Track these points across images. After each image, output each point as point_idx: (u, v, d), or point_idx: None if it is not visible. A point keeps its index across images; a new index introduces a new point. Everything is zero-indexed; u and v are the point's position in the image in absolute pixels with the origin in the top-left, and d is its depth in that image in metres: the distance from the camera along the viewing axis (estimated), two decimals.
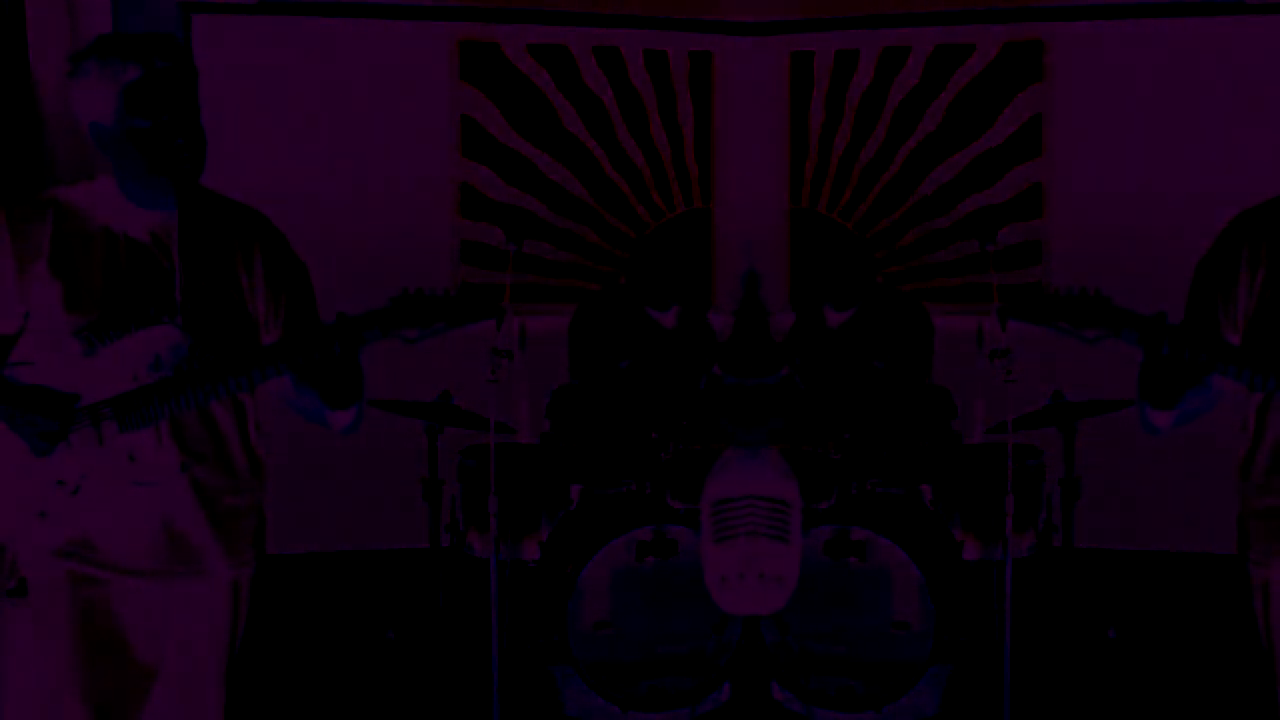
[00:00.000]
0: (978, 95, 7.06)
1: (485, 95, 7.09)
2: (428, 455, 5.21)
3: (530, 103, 7.11)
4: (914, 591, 4.79)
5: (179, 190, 3.01)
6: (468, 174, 7.12)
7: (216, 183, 3.16)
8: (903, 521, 4.96)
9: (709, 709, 4.87)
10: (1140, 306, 3.04)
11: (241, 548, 3.12)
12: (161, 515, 3.01)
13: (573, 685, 4.91)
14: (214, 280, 3.06)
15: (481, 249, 7.05)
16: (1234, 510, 3.22)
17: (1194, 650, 5.55)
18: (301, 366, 3.00)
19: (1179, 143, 6.79)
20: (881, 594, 4.84)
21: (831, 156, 7.22)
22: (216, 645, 3.13)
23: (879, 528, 4.83)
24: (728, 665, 4.86)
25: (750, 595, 4.66)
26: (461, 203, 7.12)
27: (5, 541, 2.98)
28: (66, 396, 2.95)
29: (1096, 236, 6.84)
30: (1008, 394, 4.48)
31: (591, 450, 5.29)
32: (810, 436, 5.21)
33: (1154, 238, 6.60)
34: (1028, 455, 5.07)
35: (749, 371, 5.10)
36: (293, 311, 3.15)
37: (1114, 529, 6.46)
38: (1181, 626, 5.88)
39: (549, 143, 7.15)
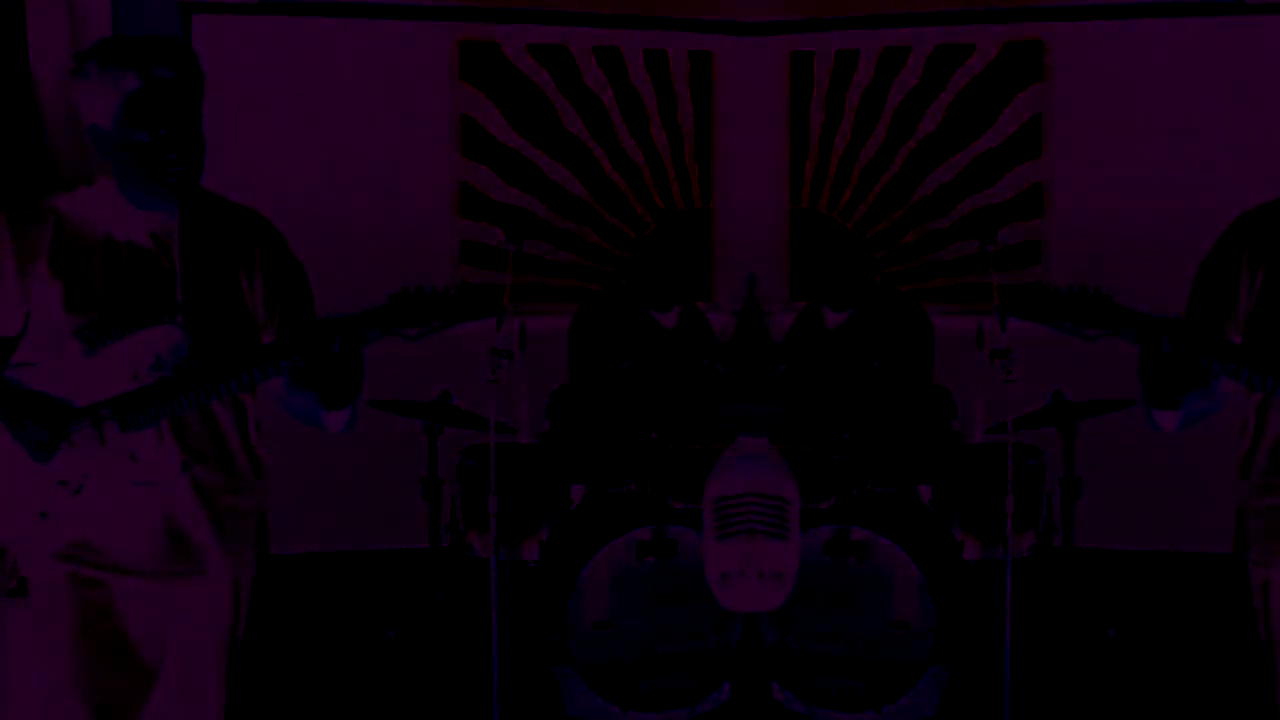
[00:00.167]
0: (978, 95, 7.06)
1: (485, 95, 7.09)
2: (428, 455, 5.21)
3: (530, 103, 7.10)
4: (914, 591, 4.79)
5: (183, 199, 3.01)
6: (468, 174, 7.12)
7: (216, 183, 3.16)
8: (903, 521, 4.96)
9: (709, 709, 4.87)
10: (1140, 306, 3.04)
11: (242, 548, 3.13)
12: (162, 515, 3.01)
13: (573, 685, 4.91)
14: (214, 281, 3.06)
15: (481, 249, 7.05)
16: (1234, 510, 3.22)
17: (1194, 650, 5.55)
18: (302, 365, 3.00)
19: (1179, 143, 6.79)
20: (881, 594, 4.85)
21: (831, 156, 7.21)
22: (217, 645, 3.13)
23: (879, 528, 4.83)
24: (728, 665, 4.86)
25: (750, 592, 4.67)
26: (461, 203, 7.12)
27: (6, 542, 2.98)
28: (62, 405, 2.95)
29: (1096, 236, 6.84)
30: (1008, 394, 4.48)
31: (591, 450, 5.29)
32: (810, 436, 5.21)
33: (1154, 238, 6.60)
34: (1028, 455, 5.07)
35: (749, 368, 5.11)
36: (291, 312, 3.15)
37: (1114, 529, 6.46)
38: (1181, 626, 5.88)
39: (549, 143, 7.15)
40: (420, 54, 7.03)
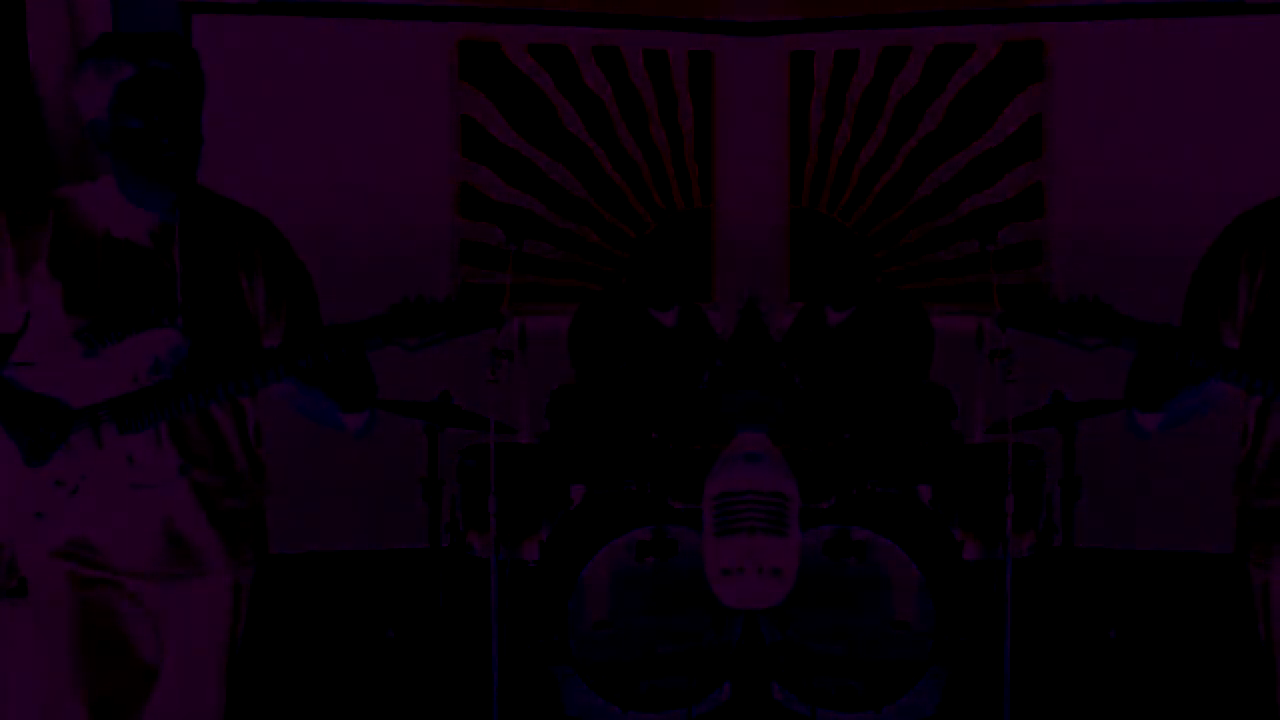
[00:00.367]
0: (978, 95, 7.06)
1: (485, 95, 7.09)
2: (428, 455, 5.21)
3: (530, 103, 7.11)
4: (914, 591, 4.79)
5: (176, 192, 3.01)
6: (468, 174, 7.12)
7: (216, 183, 3.16)
8: (903, 521, 4.96)
9: (709, 709, 4.87)
10: (1140, 307, 3.04)
11: (242, 549, 3.12)
12: (161, 517, 3.01)
13: (573, 685, 4.90)
14: (214, 283, 3.06)
15: (481, 249, 7.05)
16: (1234, 510, 3.22)
17: (1194, 650, 5.55)
18: (304, 372, 3.00)
19: (1179, 142, 6.79)
20: (881, 594, 4.84)
21: (831, 156, 7.22)
22: (217, 645, 3.13)
23: (879, 528, 4.83)
24: (728, 664, 4.86)
25: (750, 589, 4.67)
26: (461, 203, 7.12)
27: (4, 542, 2.98)
28: (62, 406, 2.94)
29: (1097, 236, 6.84)
30: (1008, 394, 4.48)
31: (591, 450, 5.29)
32: (810, 436, 5.21)
33: (1154, 237, 6.60)
34: (1028, 455, 5.07)
35: (749, 365, 5.11)
36: (294, 315, 3.15)
37: (1114, 529, 6.46)
38: (1181, 626, 5.88)
39: (549, 143, 7.15)
40: (420, 54, 7.03)
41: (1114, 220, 6.85)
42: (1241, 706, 4.90)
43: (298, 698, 5.13)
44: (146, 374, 2.96)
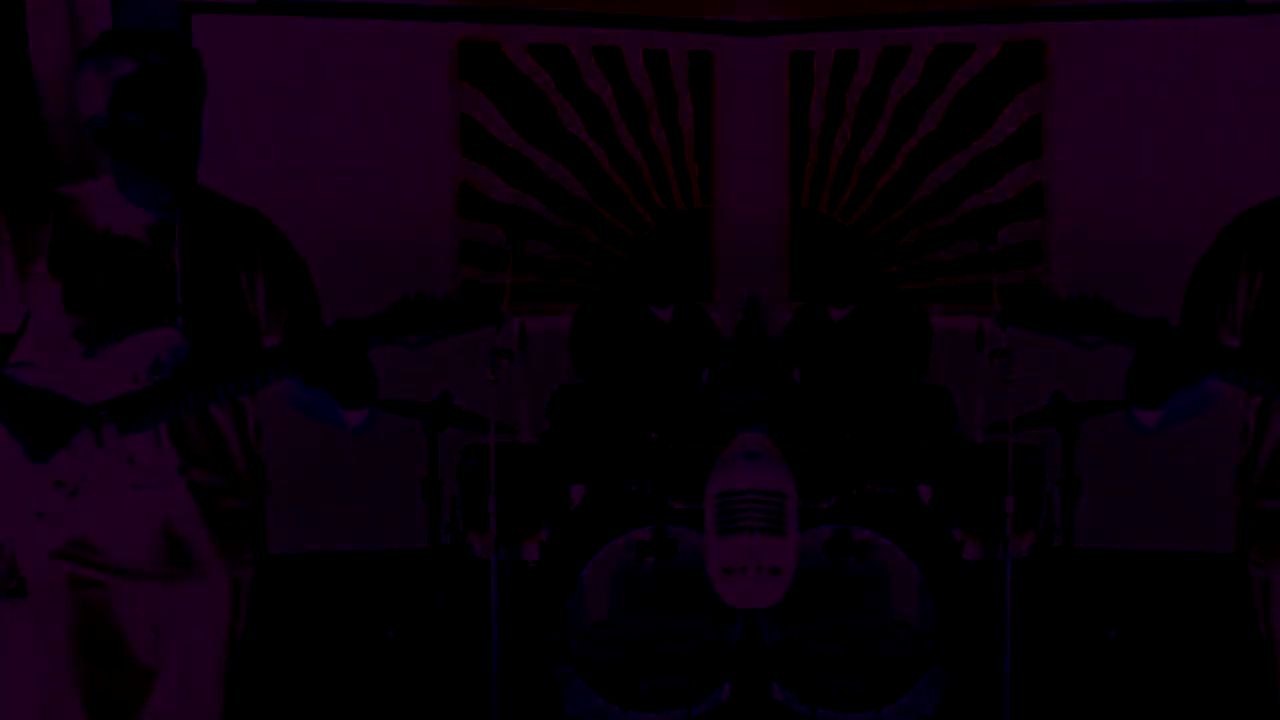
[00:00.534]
0: (978, 95, 7.06)
1: (485, 95, 7.09)
2: (428, 455, 5.21)
3: (530, 103, 7.11)
4: (914, 591, 4.79)
5: (174, 190, 3.00)
6: (468, 174, 7.12)
7: (216, 182, 3.16)
8: (903, 521, 4.96)
9: (709, 709, 4.87)
10: (1140, 305, 3.04)
11: (241, 549, 3.12)
12: (161, 518, 3.01)
13: (573, 685, 4.90)
14: (214, 282, 3.06)
15: (481, 249, 7.05)
16: (1233, 510, 3.22)
17: (1194, 650, 5.55)
18: (304, 370, 3.00)
19: (1179, 142, 6.79)
20: (881, 594, 4.84)
21: (831, 156, 7.22)
22: (216, 646, 3.13)
23: (879, 528, 4.83)
24: (728, 664, 4.86)
25: (750, 588, 4.67)
26: (461, 203, 7.12)
27: (4, 542, 2.98)
28: (68, 401, 2.94)
29: (1097, 236, 6.84)
30: (1008, 394, 4.48)
31: (591, 450, 5.29)
32: (810, 436, 5.21)
33: (1154, 237, 6.60)
34: (1028, 455, 5.07)
35: (749, 366, 5.11)
36: (295, 314, 3.14)
37: (1114, 529, 6.46)
38: (1181, 626, 5.88)
39: (549, 143, 7.15)
40: (420, 54, 7.03)
41: (1114, 220, 6.85)
42: (1241, 706, 4.90)
43: (298, 698, 5.13)
44: (146, 374, 2.96)
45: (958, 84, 7.07)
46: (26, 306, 2.97)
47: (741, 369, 5.15)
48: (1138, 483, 6.57)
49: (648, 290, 5.58)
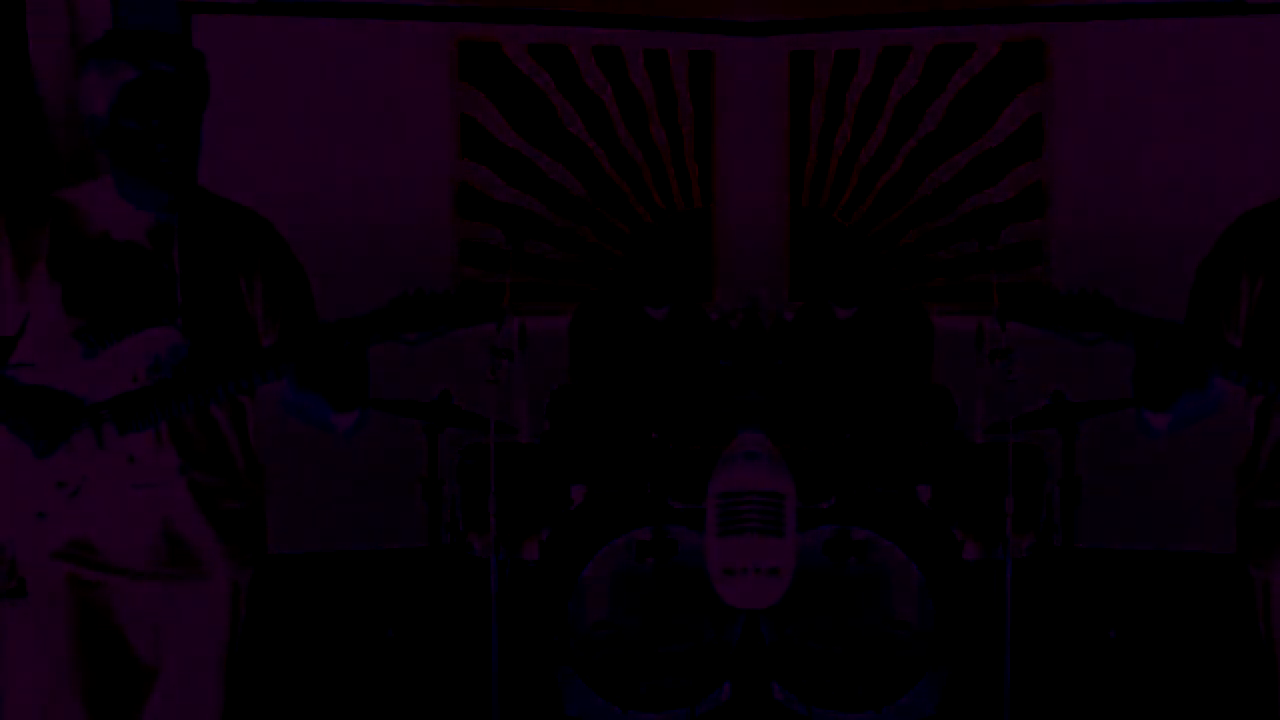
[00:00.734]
0: (978, 95, 7.06)
1: (485, 95, 7.09)
2: (428, 455, 5.20)
3: (530, 103, 7.10)
4: (914, 591, 4.79)
5: (171, 194, 3.00)
6: (467, 174, 7.12)
7: (216, 183, 3.16)
8: (903, 521, 4.96)
9: (709, 709, 4.87)
10: (1141, 305, 3.04)
11: (241, 549, 3.12)
12: (161, 517, 3.01)
13: (573, 685, 4.90)
14: (213, 283, 3.06)
15: (481, 249, 7.05)
16: (1233, 510, 3.22)
17: (1194, 650, 5.55)
18: (303, 369, 3.00)
19: (1179, 142, 6.79)
20: (881, 594, 4.84)
21: (831, 156, 7.21)
22: (216, 646, 3.13)
23: (879, 528, 4.83)
24: (727, 664, 4.86)
25: (750, 588, 4.67)
26: (461, 203, 7.12)
27: (4, 542, 2.98)
28: (69, 397, 2.94)
29: (1097, 236, 6.84)
30: (1008, 394, 4.48)
31: (591, 450, 5.29)
32: (810, 436, 5.21)
33: (1154, 237, 6.60)
34: (1028, 455, 5.07)
35: (749, 366, 5.11)
36: (292, 317, 3.14)
37: (1114, 529, 6.46)
38: (1181, 626, 5.88)
39: (549, 143, 7.14)
40: (420, 54, 7.03)
41: (1114, 220, 6.85)
42: (1241, 706, 4.89)
43: (298, 698, 5.13)
44: (146, 374, 2.96)
45: (958, 84, 7.07)
46: (26, 308, 2.97)
47: (741, 369, 5.15)
48: (1138, 483, 6.57)
49: (646, 290, 5.57)
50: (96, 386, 2.95)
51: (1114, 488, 6.22)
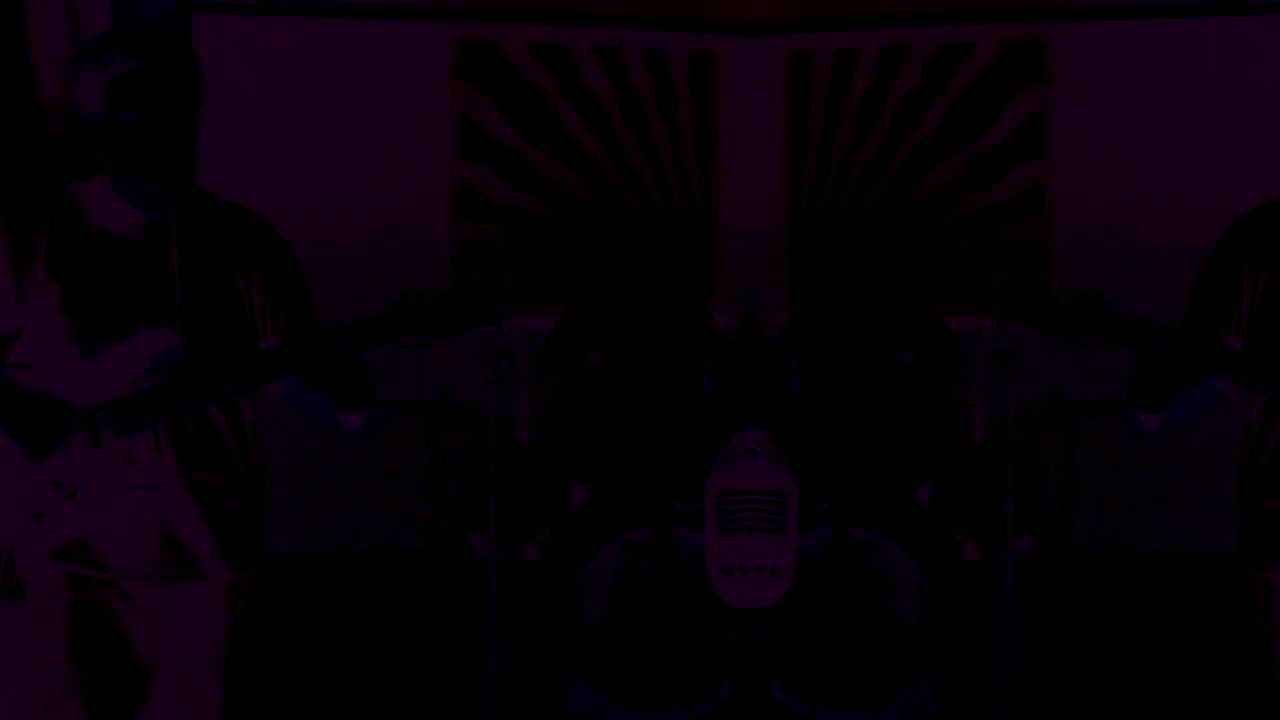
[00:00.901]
0: (978, 95, 7.05)
1: (485, 95, 7.08)
2: (428, 455, 5.20)
3: (530, 103, 7.10)
4: (914, 591, 4.79)
5: (168, 188, 3.00)
6: (467, 174, 7.11)
7: (215, 183, 3.16)
8: (903, 521, 4.96)
9: (709, 709, 4.87)
10: (1142, 306, 3.04)
11: (240, 550, 3.12)
12: (159, 518, 3.01)
13: (573, 685, 4.90)
14: (212, 283, 3.06)
15: (481, 249, 7.04)
16: (1234, 510, 3.22)
17: (1194, 650, 5.54)
18: (303, 371, 3.00)
19: (1180, 143, 6.78)
20: (881, 594, 4.84)
21: (831, 156, 7.21)
22: (216, 646, 3.13)
23: (879, 528, 4.83)
24: (727, 664, 4.86)
25: (750, 588, 4.67)
26: (461, 203, 7.11)
27: (3, 543, 2.98)
28: (63, 404, 2.94)
29: (1097, 236, 6.83)
30: (1008, 394, 4.48)
31: (591, 450, 5.29)
32: (810, 436, 5.20)
33: (1155, 237, 6.60)
34: (1028, 455, 5.07)
35: (749, 366, 5.11)
36: (291, 316, 3.14)
37: (1114, 529, 6.46)
38: (1181, 626, 5.88)
39: (549, 143, 7.14)
40: (420, 54, 7.02)
41: (1114, 220, 6.84)
42: (1241, 706, 4.89)
43: (298, 698, 5.13)
44: (144, 375, 2.96)
45: (958, 84, 7.06)
46: (24, 308, 2.97)
47: (741, 370, 5.15)
48: (1138, 483, 6.57)
49: (645, 290, 5.56)
50: (95, 389, 2.94)
51: (1114, 488, 6.22)
